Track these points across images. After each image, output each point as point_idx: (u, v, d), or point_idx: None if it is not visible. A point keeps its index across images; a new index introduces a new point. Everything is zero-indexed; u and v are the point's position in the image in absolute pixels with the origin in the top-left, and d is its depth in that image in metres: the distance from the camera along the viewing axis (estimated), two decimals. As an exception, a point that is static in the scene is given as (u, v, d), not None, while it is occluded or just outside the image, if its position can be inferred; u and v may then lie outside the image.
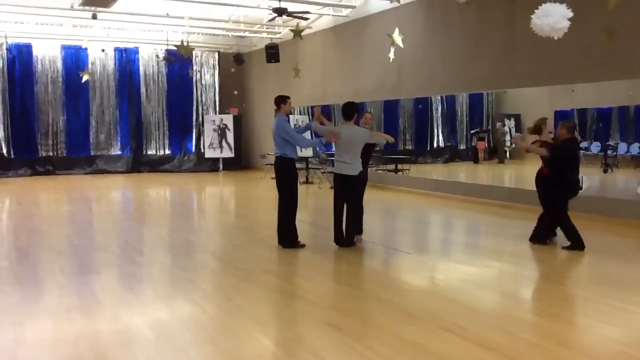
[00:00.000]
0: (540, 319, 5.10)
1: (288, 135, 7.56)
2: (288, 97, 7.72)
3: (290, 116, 7.86)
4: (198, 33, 18.55)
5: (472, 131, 19.71)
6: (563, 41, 6.99)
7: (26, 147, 18.71)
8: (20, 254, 7.62)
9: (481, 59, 11.61)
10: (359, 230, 7.93)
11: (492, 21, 11.37)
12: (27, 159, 18.77)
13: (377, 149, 8.98)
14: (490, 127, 19.86)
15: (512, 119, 18.94)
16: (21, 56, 18.46)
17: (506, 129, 18.89)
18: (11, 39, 17.68)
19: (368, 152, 7.93)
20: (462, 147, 20.32)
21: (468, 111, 20.01)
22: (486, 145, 19.62)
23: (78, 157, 19.48)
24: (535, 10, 6.44)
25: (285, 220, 7.62)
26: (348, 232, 7.65)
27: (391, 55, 12.61)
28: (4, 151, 18.41)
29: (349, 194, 7.64)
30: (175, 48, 14.95)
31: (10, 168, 18.42)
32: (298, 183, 7.86)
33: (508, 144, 18.78)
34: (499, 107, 19.87)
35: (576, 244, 7.40)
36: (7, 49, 17.88)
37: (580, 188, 7.87)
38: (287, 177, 7.64)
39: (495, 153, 19.46)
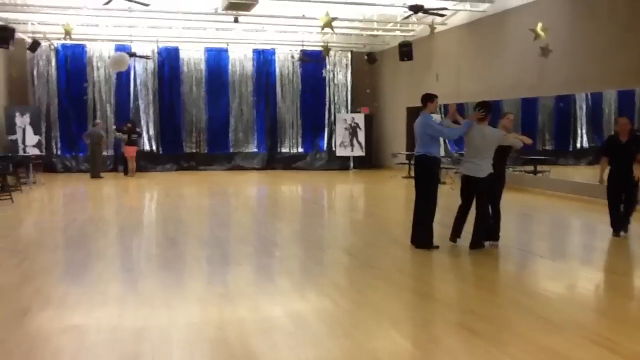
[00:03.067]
0: (703, 337, 4.63)
1: (436, 131, 7.48)
2: (436, 96, 7.60)
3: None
4: (332, 33, 18.91)
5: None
6: None
7: (173, 144, 20.19)
8: (170, 242, 8.24)
9: (633, 52, 10.73)
10: (496, 237, 7.65)
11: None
12: (173, 155, 20.25)
13: (514, 150, 8.62)
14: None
15: (668, 118, 17.28)
16: (169, 59, 19.94)
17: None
18: (161, 43, 19.11)
19: (504, 154, 7.64)
20: (604, 147, 18.86)
21: (617, 109, 18.55)
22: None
23: (218, 154, 20.68)
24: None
25: (422, 221, 7.53)
26: (474, 233, 7.45)
27: (542, 43, 11.94)
28: (154, 147, 20.01)
29: (475, 195, 7.44)
30: (310, 49, 15.36)
31: (159, 163, 19.99)
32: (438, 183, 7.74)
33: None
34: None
35: None
36: (158, 52, 19.37)
37: None
38: (429, 176, 7.52)
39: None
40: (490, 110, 7.49)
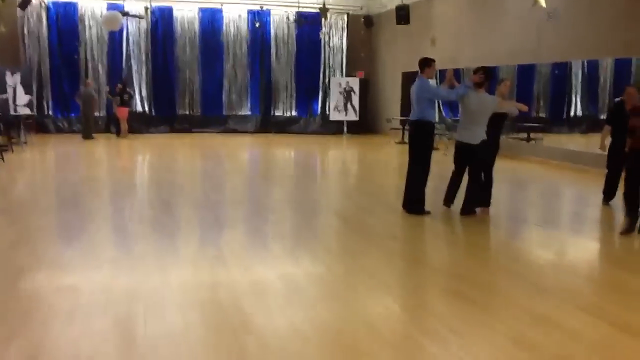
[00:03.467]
0: (689, 305, 4.71)
1: (433, 94, 7.47)
2: (433, 60, 7.49)
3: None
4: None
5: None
6: None
7: (166, 106, 20.00)
8: (164, 204, 8.24)
9: (637, 22, 10.61)
10: (487, 203, 7.70)
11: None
12: (166, 116, 20.07)
13: (509, 118, 8.60)
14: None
15: (664, 88, 17.24)
16: (163, 18, 19.58)
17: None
18: (154, 2, 18.72)
19: (499, 121, 7.61)
20: (603, 116, 18.85)
21: (613, 78, 18.49)
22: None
23: (212, 116, 20.51)
24: None
25: (415, 186, 7.55)
26: (466, 199, 7.50)
27: (540, 10, 11.74)
28: (147, 109, 19.83)
29: (468, 162, 7.46)
30: (306, 11, 15.12)
31: (151, 125, 19.82)
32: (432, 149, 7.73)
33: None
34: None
35: None
36: (151, 11, 19.00)
37: None
38: (424, 141, 7.51)
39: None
40: (489, 77, 7.44)
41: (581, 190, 10.58)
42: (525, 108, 7.93)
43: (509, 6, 13.91)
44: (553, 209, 9.02)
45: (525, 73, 17.92)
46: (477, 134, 7.32)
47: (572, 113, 18.47)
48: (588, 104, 18.68)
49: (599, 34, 11.54)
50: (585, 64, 18.10)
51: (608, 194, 8.46)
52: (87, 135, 17.11)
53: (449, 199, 7.82)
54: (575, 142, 17.06)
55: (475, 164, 7.48)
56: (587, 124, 18.66)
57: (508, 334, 3.94)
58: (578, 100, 18.42)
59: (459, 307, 4.45)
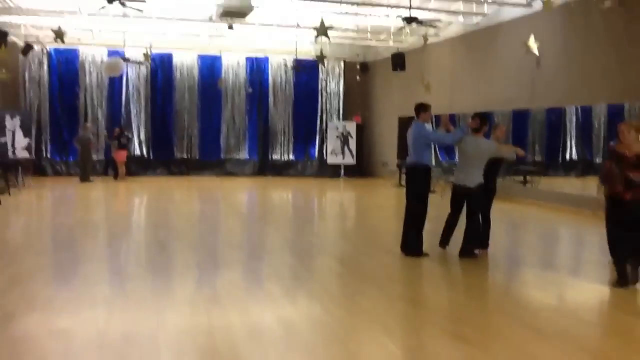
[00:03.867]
0: (691, 349, 4.65)
1: (429, 138, 7.58)
2: (429, 106, 7.67)
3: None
4: (325, 42, 18.95)
5: (611, 143, 18.39)
6: None
7: (164, 149, 20.12)
8: (160, 247, 8.19)
9: (629, 68, 10.82)
10: (485, 245, 7.72)
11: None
12: (164, 160, 20.17)
13: (506, 162, 8.70)
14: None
15: (657, 132, 17.44)
16: (163, 65, 19.91)
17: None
18: (155, 49, 19.05)
19: (497, 165, 7.70)
20: (598, 160, 19.01)
21: (606, 123, 18.74)
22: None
23: (209, 160, 20.62)
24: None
25: (412, 229, 7.55)
26: (465, 242, 7.50)
27: (533, 57, 11.95)
28: (145, 152, 19.94)
29: (466, 205, 7.50)
30: (303, 58, 15.40)
31: (149, 168, 19.90)
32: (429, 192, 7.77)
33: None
34: (642, 119, 18.39)
35: None
36: (150, 58, 19.32)
37: None
38: (421, 184, 7.56)
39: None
40: (485, 122, 7.55)
41: (577, 232, 10.57)
42: (522, 152, 8.04)
43: (503, 52, 14.19)
44: (550, 251, 8.99)
45: (521, 118, 18.15)
46: (474, 177, 7.37)
47: (567, 157, 18.63)
48: (583, 148, 18.86)
49: (591, 80, 11.75)
50: (579, 109, 18.38)
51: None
52: (84, 178, 17.14)
53: (444, 241, 7.84)
54: (570, 185, 17.13)
55: (473, 206, 7.51)
56: (582, 167, 18.80)
57: (509, 378, 3.88)
58: (573, 144, 18.60)
59: (458, 350, 4.39)
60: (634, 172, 6.00)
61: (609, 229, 6.46)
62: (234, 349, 4.28)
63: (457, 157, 7.82)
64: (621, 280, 6.22)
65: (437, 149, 17.40)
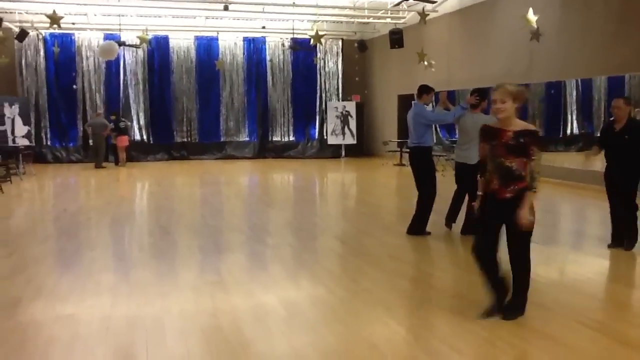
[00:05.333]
0: (692, 320, 4.69)
1: (429, 119, 7.58)
2: (432, 89, 7.69)
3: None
4: (323, 21, 18.83)
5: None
6: None
7: (163, 133, 20.10)
8: (163, 231, 8.22)
9: (627, 39, 10.75)
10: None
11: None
12: (164, 144, 20.16)
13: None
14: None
15: (658, 105, 17.36)
16: (159, 48, 19.78)
17: None
18: (151, 32, 18.92)
19: None
20: (599, 134, 18.94)
21: (607, 96, 18.65)
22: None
23: (209, 143, 20.60)
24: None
25: (421, 209, 7.59)
26: (467, 219, 7.51)
27: (534, 25, 11.81)
28: (144, 137, 19.91)
29: (466, 181, 7.50)
30: (300, 37, 15.30)
31: (150, 153, 19.91)
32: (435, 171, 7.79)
33: None
34: (643, 92, 18.28)
35: None
36: (147, 41, 19.19)
37: None
38: (426, 166, 7.61)
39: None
40: (484, 98, 7.52)
41: (579, 207, 10.59)
42: None
43: (501, 27, 14.08)
44: (552, 227, 9.01)
45: (520, 93, 17.96)
46: (474, 154, 7.35)
47: (568, 131, 18.57)
48: (583, 122, 18.80)
49: (590, 53, 11.67)
50: (579, 82, 18.29)
51: (615, 237, 6.83)
52: (99, 164, 17.28)
53: (450, 218, 7.83)
54: (571, 160, 17.10)
55: (474, 183, 7.50)
56: (583, 142, 18.76)
57: (511, 352, 3.92)
58: (573, 118, 18.54)
59: (461, 327, 4.42)
60: (510, 157, 4.33)
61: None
62: (238, 331, 4.32)
63: (457, 134, 7.81)
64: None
65: (437, 127, 17.35)
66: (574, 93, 18.34)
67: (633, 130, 6.37)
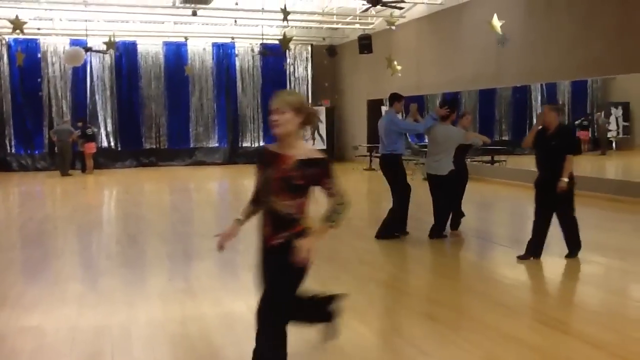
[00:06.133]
0: (652, 318, 4.82)
1: (401, 128, 7.71)
2: (403, 97, 7.90)
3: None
4: (292, 27, 18.84)
5: (575, 122, 18.76)
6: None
7: (132, 140, 19.82)
8: (131, 239, 8.12)
9: (590, 44, 11.01)
10: (455, 226, 7.84)
11: (604, 3, 10.75)
12: (133, 151, 19.89)
13: (473, 148, 8.98)
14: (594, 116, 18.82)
15: (620, 108, 17.83)
16: (127, 53, 19.55)
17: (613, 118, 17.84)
18: (118, 37, 18.69)
19: (464, 151, 7.92)
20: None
21: (571, 100, 19.09)
22: (590, 135, 18.61)
23: (179, 149, 20.40)
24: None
25: (400, 210, 7.66)
26: (435, 223, 7.60)
27: (498, 35, 12.03)
28: (112, 144, 19.63)
29: (438, 191, 7.62)
30: (269, 42, 15.29)
31: (118, 160, 19.61)
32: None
33: (615, 134, 17.77)
34: (605, 95, 18.76)
35: None
36: (115, 47, 18.95)
37: None
38: (398, 173, 7.71)
39: (599, 144, 18.43)
40: (454, 110, 7.69)
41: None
42: (488, 140, 8.50)
43: (469, 32, 14.29)
44: (519, 229, 9.16)
45: (487, 97, 18.37)
46: (444, 165, 7.49)
47: (533, 135, 18.84)
48: (549, 125, 19.10)
49: (554, 58, 11.92)
50: (544, 87, 18.69)
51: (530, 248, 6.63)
52: (65, 172, 16.91)
53: (438, 231, 7.71)
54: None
55: (446, 192, 7.62)
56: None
57: (478, 354, 3.98)
58: (539, 122, 18.83)
59: (429, 329, 4.47)
60: (286, 197, 3.33)
61: None
62: (207, 339, 4.29)
63: (427, 141, 7.96)
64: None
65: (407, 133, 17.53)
66: (539, 97, 18.73)
67: (562, 136, 6.35)
